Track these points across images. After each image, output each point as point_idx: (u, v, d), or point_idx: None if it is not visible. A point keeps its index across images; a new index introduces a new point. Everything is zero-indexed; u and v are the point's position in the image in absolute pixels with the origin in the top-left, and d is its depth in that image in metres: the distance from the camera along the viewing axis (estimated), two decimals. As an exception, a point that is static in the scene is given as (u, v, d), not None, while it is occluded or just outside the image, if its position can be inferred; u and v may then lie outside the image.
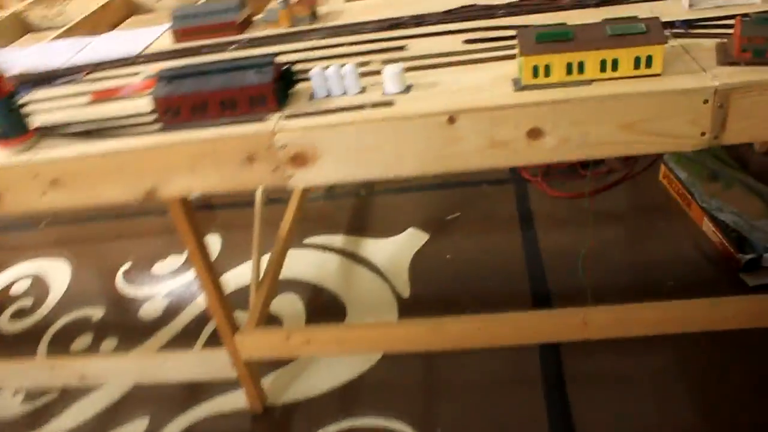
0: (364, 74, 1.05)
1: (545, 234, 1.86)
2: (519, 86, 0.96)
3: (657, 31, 0.94)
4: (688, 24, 1.07)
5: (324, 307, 1.74)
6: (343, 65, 1.01)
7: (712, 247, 1.75)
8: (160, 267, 1.99)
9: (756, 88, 0.91)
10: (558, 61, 0.94)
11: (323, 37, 1.21)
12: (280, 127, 0.96)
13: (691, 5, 1.12)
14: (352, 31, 1.22)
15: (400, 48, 1.12)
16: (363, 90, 1.01)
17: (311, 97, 1.01)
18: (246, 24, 1.32)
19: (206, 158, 0.99)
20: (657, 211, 1.89)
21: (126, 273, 1.99)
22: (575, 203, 1.97)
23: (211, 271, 1.33)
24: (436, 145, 0.95)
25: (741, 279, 1.67)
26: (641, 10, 1.14)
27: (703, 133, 0.94)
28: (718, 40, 1.01)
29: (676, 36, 1.04)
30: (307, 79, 1.02)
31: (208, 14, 1.31)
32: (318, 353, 1.51)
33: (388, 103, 0.97)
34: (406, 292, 1.74)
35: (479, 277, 1.74)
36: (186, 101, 1.01)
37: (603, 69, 0.94)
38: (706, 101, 0.92)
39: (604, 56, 0.93)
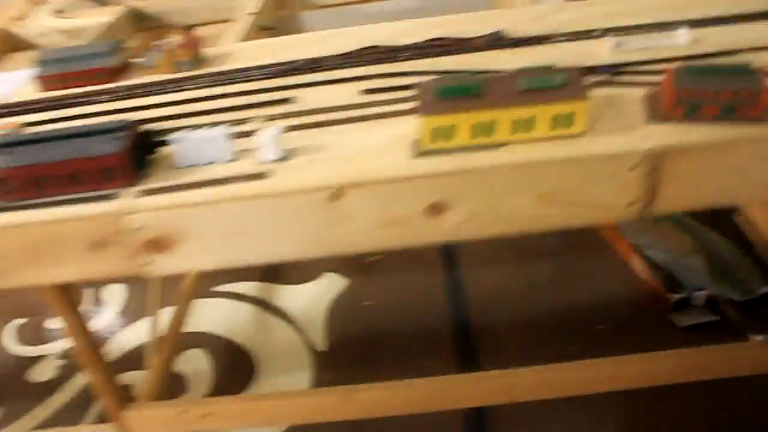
0: (242, 134, 0.85)
1: (470, 274, 1.68)
2: (418, 152, 0.76)
3: (578, 84, 0.76)
4: (613, 70, 0.89)
5: (234, 364, 1.52)
6: (213, 127, 0.81)
7: (642, 286, 1.59)
8: (57, 321, 1.74)
9: (691, 151, 0.74)
10: (463, 121, 0.75)
11: (204, 86, 1.00)
12: (132, 207, 0.76)
13: (616, 46, 0.95)
14: (237, 78, 1.01)
15: (287, 100, 0.92)
16: (237, 157, 0.81)
17: (174, 166, 0.81)
18: (122, 69, 1.11)
19: (48, 245, 0.78)
20: (584, 247, 1.72)
21: (19, 329, 1.74)
22: (501, 240, 1.79)
23: (93, 349, 1.12)
24: (318, 225, 0.76)
25: (672, 319, 1.52)
26: (561, 52, 0.96)
27: (631, 203, 0.77)
28: (646, 88, 0.84)
29: (600, 84, 0.86)
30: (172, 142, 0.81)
31: (78, 58, 1.09)
32: (218, 427, 1.30)
33: (262, 176, 0.77)
34: (321, 344, 1.54)
35: (400, 327, 1.55)
36: (24, 174, 0.79)
37: (516, 130, 0.76)
38: (634, 167, 0.74)
39: (518, 115, 0.75)
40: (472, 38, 1.01)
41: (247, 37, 1.25)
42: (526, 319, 1.54)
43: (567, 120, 0.76)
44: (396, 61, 0.99)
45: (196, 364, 1.53)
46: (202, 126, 0.86)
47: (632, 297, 1.57)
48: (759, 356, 1.25)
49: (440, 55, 0.99)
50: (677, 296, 1.52)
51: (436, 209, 0.75)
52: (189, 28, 1.60)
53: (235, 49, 1.13)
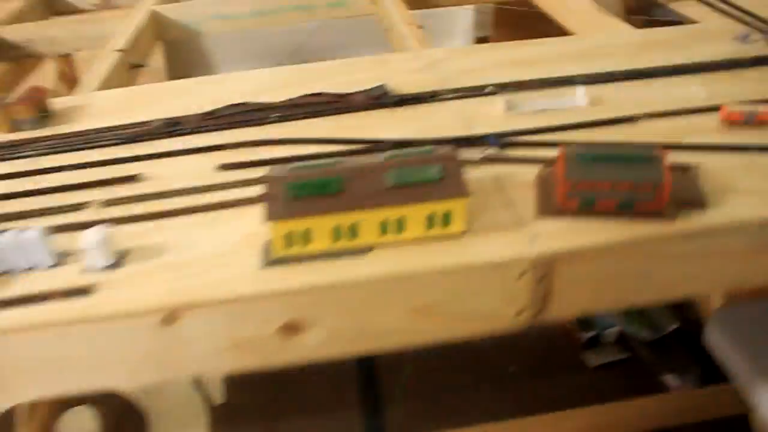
0: (74, 227, 0.69)
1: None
2: (269, 259, 0.62)
3: (457, 175, 0.63)
4: (503, 141, 0.76)
5: (124, 422, 1.36)
6: (39, 217, 0.65)
7: (552, 324, 1.49)
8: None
9: (586, 254, 0.62)
10: (321, 224, 0.61)
11: (41, 154, 0.83)
12: None
13: (508, 108, 0.82)
14: (83, 143, 0.85)
15: (133, 178, 0.76)
16: (61, 261, 0.65)
17: (-21, 277, 0.64)
18: (-45, 126, 0.92)
19: None
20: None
21: None
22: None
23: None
24: (153, 350, 0.61)
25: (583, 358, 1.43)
26: (448, 114, 0.83)
27: (520, 312, 0.64)
28: (539, 167, 0.71)
29: (488, 161, 0.73)
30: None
31: None
32: None
33: (85, 291, 0.61)
34: (219, 397, 1.39)
35: (303, 373, 1.41)
36: None
37: (385, 232, 0.62)
38: (521, 275, 0.62)
39: (385, 216, 0.61)
40: (351, 94, 0.87)
41: (113, 80, 1.07)
42: (433, 361, 1.42)
43: (444, 219, 0.63)
44: (265, 124, 0.85)
45: (81, 425, 1.36)
46: (26, 218, 0.70)
47: (543, 336, 1.48)
48: (677, 406, 1.17)
49: (316, 116, 0.85)
50: (588, 334, 1.43)
51: (291, 329, 0.61)
52: (64, 57, 1.42)
53: (90, 101, 0.96)
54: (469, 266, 0.61)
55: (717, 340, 0.89)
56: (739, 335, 0.86)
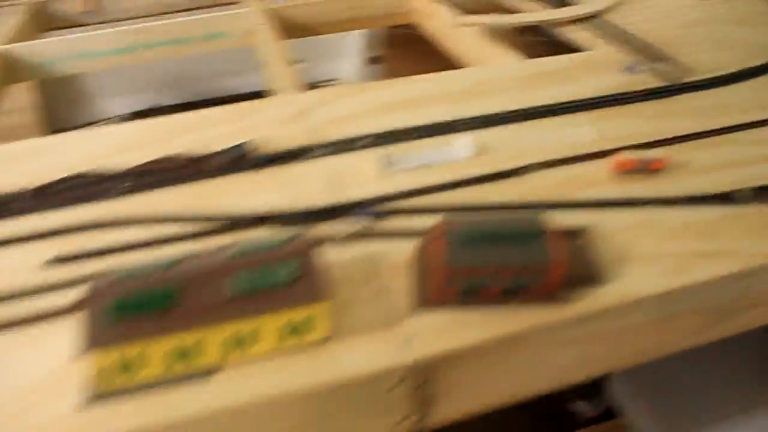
0: None
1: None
2: (92, 395, 0.49)
3: (315, 273, 0.52)
4: (377, 209, 0.65)
5: None
6: None
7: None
8: None
9: (471, 351, 0.52)
10: (152, 348, 0.49)
11: None
12: None
13: (385, 167, 0.71)
14: None
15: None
16: None
17: None
18: None
19: None
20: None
21: None
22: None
23: None
24: None
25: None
26: (317, 174, 0.72)
27: (401, 421, 0.54)
28: (417, 240, 0.61)
29: (359, 236, 0.63)
30: None
31: None
32: None
33: None
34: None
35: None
36: None
37: (232, 348, 0.50)
38: (397, 384, 0.51)
39: (231, 331, 0.50)
40: (209, 155, 0.75)
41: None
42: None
43: (303, 326, 0.51)
44: (109, 198, 0.71)
45: None
46: None
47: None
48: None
49: (168, 184, 0.72)
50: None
51: (125, 478, 0.49)
52: None
53: None
54: (335, 383, 0.50)
55: (622, 396, 0.81)
56: (644, 391, 0.79)
